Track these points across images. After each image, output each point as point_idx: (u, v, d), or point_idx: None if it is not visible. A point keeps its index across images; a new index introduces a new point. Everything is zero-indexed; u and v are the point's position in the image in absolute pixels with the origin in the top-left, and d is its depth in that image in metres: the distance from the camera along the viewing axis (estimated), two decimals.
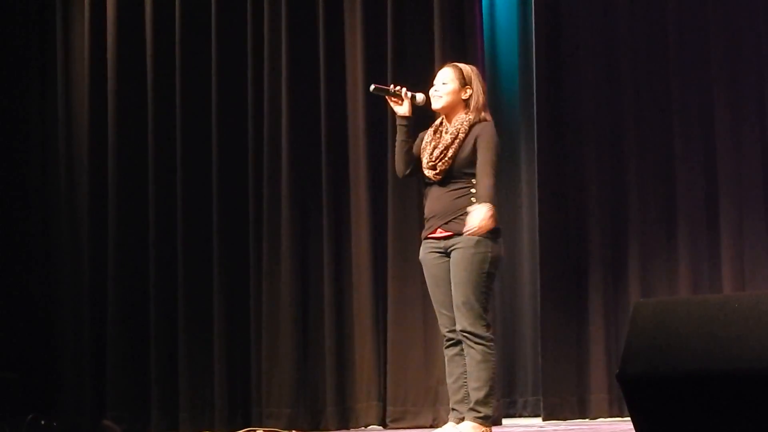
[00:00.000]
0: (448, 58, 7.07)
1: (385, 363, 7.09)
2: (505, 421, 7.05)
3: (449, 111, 5.13)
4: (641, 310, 3.50)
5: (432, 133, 5.17)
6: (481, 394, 5.03)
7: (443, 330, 5.15)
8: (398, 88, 5.13)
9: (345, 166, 7.29)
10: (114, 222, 7.57)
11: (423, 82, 7.09)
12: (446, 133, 5.11)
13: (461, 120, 5.10)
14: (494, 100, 7.46)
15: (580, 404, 6.93)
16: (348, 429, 7.13)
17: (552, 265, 7.03)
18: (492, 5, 7.56)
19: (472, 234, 4.94)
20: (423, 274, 5.25)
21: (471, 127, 5.09)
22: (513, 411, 7.38)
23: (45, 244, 7.80)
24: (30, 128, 7.92)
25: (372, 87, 5.13)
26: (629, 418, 3.50)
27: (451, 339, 5.11)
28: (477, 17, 7.16)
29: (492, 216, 4.93)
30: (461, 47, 7.08)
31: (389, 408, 7.05)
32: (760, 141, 6.87)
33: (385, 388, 7.09)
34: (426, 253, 5.17)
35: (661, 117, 7.00)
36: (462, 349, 5.09)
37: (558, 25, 7.13)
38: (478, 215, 4.91)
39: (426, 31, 7.16)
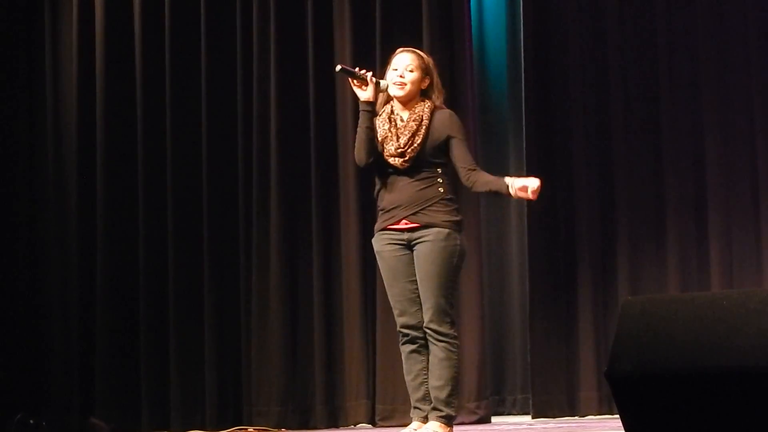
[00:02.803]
0: (437, 56, 7.09)
1: (374, 361, 7.09)
2: (494, 419, 7.05)
3: (407, 100, 5.01)
4: (629, 307, 3.50)
5: (387, 120, 5.01)
6: (443, 394, 4.92)
7: (398, 326, 4.97)
8: (363, 71, 5.00)
9: (334, 164, 7.29)
10: (103, 219, 7.55)
11: None
12: (403, 120, 4.98)
13: (421, 107, 4.99)
14: (482, 99, 7.47)
15: (569, 402, 6.94)
16: (337, 427, 7.13)
17: (541, 263, 7.03)
18: (480, 3, 7.56)
19: (526, 196, 4.81)
20: None
21: (431, 112, 4.99)
22: (502, 409, 7.39)
23: (32, 241, 7.77)
24: (17, 125, 7.87)
25: (338, 67, 5.00)
26: (618, 416, 3.50)
27: (407, 335, 4.96)
28: (465, 15, 7.16)
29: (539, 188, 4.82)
30: (449, 45, 7.09)
31: (378, 406, 7.06)
32: (748, 140, 6.88)
33: (374, 386, 7.09)
34: (384, 244, 5.00)
35: (650, 116, 7.01)
36: (420, 346, 4.95)
37: (546, 23, 7.14)
38: (535, 183, 4.79)
39: (414, 28, 7.16)
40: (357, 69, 5.03)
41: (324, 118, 7.29)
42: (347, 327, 7.15)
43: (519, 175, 7.26)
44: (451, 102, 7.06)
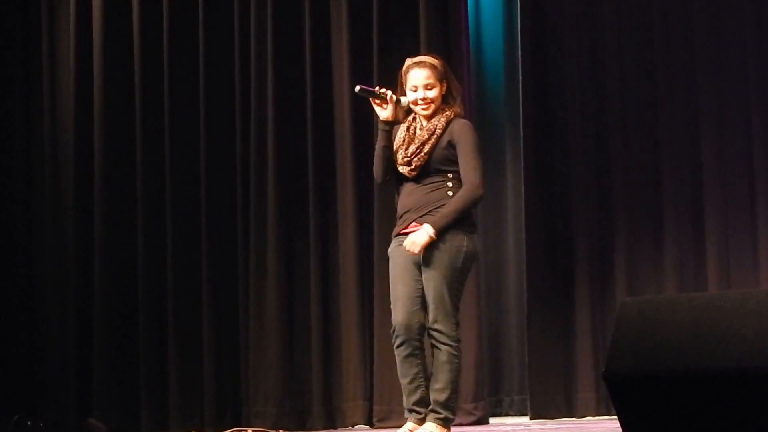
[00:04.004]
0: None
1: (372, 362, 7.09)
2: (491, 420, 7.05)
3: (433, 113, 5.02)
4: (627, 308, 3.50)
5: (405, 129, 5.04)
6: (442, 396, 4.93)
7: (395, 327, 4.97)
8: (383, 90, 5.00)
9: (332, 166, 7.28)
10: (100, 220, 7.54)
11: None
12: (420, 129, 5.00)
13: (438, 116, 5.00)
14: (479, 100, 7.47)
15: (567, 403, 6.93)
16: (335, 428, 7.13)
17: (539, 263, 7.03)
18: (477, 4, 7.56)
19: (410, 251, 4.87)
20: None
21: (448, 122, 4.99)
22: (499, 410, 7.38)
23: (29, 241, 7.76)
24: (14, 127, 7.84)
25: (357, 88, 4.97)
26: (616, 417, 3.50)
27: (402, 337, 4.96)
28: (462, 16, 7.16)
29: (427, 242, 4.84)
30: (447, 46, 7.09)
31: (376, 407, 7.05)
32: (744, 141, 6.89)
33: (371, 387, 7.09)
34: (395, 246, 5.03)
35: (648, 116, 7.02)
36: (415, 349, 4.95)
37: (543, 24, 7.14)
38: (417, 238, 4.86)
39: (412, 30, 7.16)
40: (377, 88, 5.03)
41: (322, 121, 7.29)
42: (344, 328, 7.15)
43: (516, 177, 7.33)
44: None
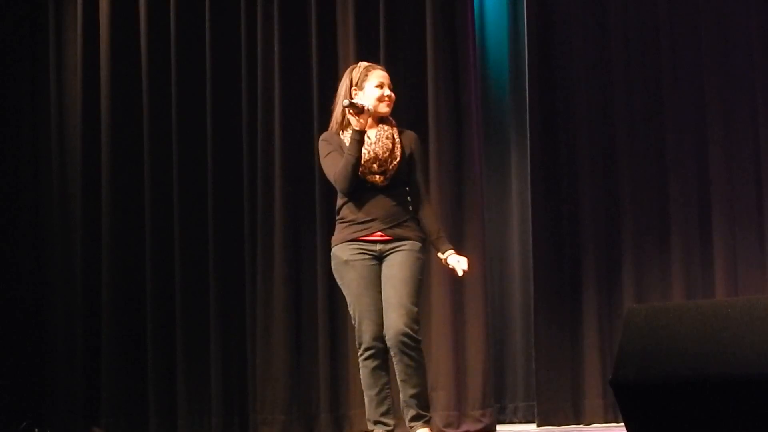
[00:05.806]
0: (441, 64, 7.10)
1: None
2: (498, 427, 7.04)
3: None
4: (634, 315, 3.50)
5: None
6: (422, 399, 5.08)
7: (365, 339, 5.08)
8: (361, 103, 5.13)
9: None
10: (108, 225, 7.54)
11: (416, 86, 7.15)
12: (370, 138, 5.13)
13: (389, 125, 5.20)
14: (485, 99, 7.45)
15: (574, 409, 6.92)
16: None
17: (545, 270, 7.02)
18: (483, 8, 7.56)
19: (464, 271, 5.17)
20: None
21: (398, 131, 5.22)
22: (503, 417, 7.35)
23: (36, 247, 7.75)
24: (21, 127, 7.82)
25: (347, 102, 5.10)
26: (623, 424, 3.51)
27: (373, 349, 5.08)
28: (469, 21, 7.16)
29: None
30: (453, 52, 7.10)
31: None
32: (752, 147, 6.88)
33: None
34: (354, 254, 5.15)
35: (655, 123, 7.01)
36: (383, 361, 5.10)
37: (550, 29, 7.13)
38: (464, 262, 5.17)
39: (418, 36, 7.17)
40: (360, 104, 5.14)
41: (327, 123, 7.29)
42: (351, 335, 7.13)
43: (522, 182, 7.32)
44: (454, 102, 7.10)
